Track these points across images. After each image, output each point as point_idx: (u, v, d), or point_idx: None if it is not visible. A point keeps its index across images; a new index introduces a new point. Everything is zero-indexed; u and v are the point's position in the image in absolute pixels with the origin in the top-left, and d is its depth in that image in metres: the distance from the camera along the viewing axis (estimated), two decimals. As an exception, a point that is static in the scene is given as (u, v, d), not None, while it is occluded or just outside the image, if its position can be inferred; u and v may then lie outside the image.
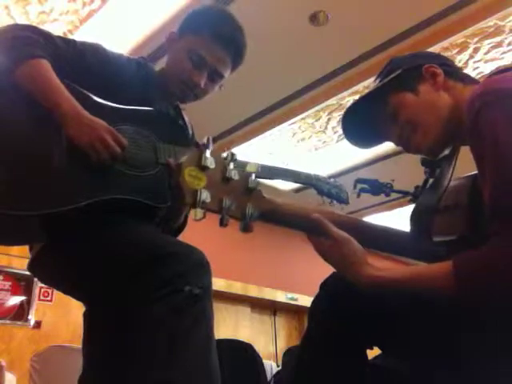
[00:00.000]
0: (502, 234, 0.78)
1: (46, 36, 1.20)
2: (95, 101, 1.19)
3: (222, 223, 0.87)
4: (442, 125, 1.03)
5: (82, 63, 1.23)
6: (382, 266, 0.92)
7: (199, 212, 0.83)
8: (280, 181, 1.46)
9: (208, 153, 0.87)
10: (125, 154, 1.13)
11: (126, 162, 1.14)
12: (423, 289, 0.86)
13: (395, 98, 1.08)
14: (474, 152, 0.89)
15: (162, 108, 1.35)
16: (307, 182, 1.56)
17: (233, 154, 0.91)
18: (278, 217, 0.96)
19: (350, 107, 1.14)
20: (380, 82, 1.12)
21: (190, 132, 1.47)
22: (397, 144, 1.12)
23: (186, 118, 1.48)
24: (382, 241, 1.02)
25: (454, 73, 1.08)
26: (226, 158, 0.90)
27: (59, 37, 1.24)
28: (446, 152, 1.09)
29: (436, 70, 1.06)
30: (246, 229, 0.89)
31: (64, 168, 1.08)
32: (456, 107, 1.01)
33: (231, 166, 0.89)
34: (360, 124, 1.14)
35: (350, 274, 0.92)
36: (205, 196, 0.84)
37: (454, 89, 1.05)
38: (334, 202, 1.59)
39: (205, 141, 0.88)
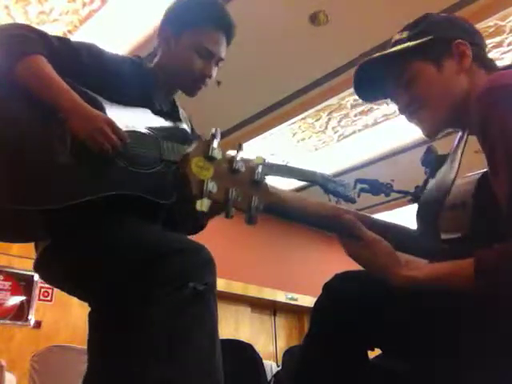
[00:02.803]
0: None
1: (41, 34, 1.20)
2: (96, 99, 1.19)
3: (228, 215, 0.86)
4: (451, 109, 1.01)
5: (77, 61, 1.23)
6: (414, 264, 0.93)
7: (205, 202, 0.82)
8: (280, 181, 1.46)
9: (215, 143, 0.87)
10: (128, 152, 1.13)
11: (130, 159, 1.14)
12: (450, 287, 0.87)
13: (417, 66, 1.03)
14: (484, 149, 0.88)
15: (162, 104, 1.35)
16: (312, 179, 1.56)
17: (240, 146, 0.91)
18: (284, 210, 0.95)
19: (369, 59, 1.08)
20: (408, 39, 1.06)
21: (189, 125, 1.47)
22: (400, 110, 1.09)
23: (182, 110, 1.48)
24: (388, 237, 1.01)
25: (481, 57, 1.04)
26: (233, 150, 0.90)
27: (53, 36, 1.25)
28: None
29: (466, 50, 1.01)
30: (251, 221, 0.88)
31: (67, 164, 1.08)
32: (469, 95, 0.98)
33: (238, 157, 0.89)
34: (373, 77, 1.08)
35: (383, 274, 0.93)
36: (211, 186, 0.83)
37: (475, 75, 1.01)
38: (341, 200, 1.58)
39: (213, 131, 0.88)
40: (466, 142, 1.05)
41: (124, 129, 1.15)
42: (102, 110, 1.15)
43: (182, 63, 1.35)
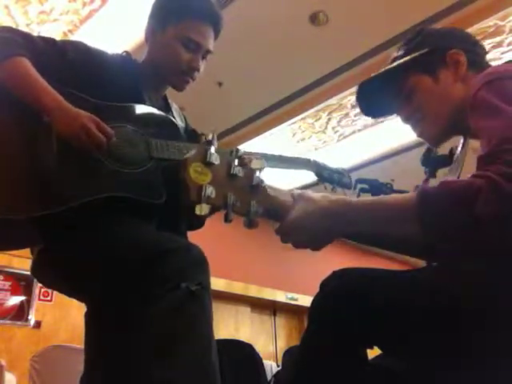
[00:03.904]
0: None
1: (25, 36, 1.21)
2: (82, 98, 1.18)
3: (227, 219, 0.87)
4: (451, 118, 1.03)
5: (64, 60, 1.22)
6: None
7: (204, 207, 0.83)
8: (279, 181, 1.45)
9: (213, 149, 0.87)
10: (116, 152, 1.12)
11: (118, 159, 1.13)
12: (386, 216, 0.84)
13: (414, 80, 1.07)
14: (473, 125, 0.89)
15: (152, 100, 1.34)
16: (307, 168, 1.54)
17: (238, 150, 0.91)
18: (282, 214, 0.95)
19: (369, 78, 1.11)
20: (404, 55, 1.10)
21: (183, 121, 1.47)
22: (404, 121, 1.13)
23: (175, 106, 1.47)
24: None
25: (477, 63, 1.06)
26: (230, 155, 0.90)
27: (38, 36, 1.25)
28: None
29: (460, 58, 1.04)
30: (251, 225, 0.89)
31: (55, 169, 1.08)
32: (465, 101, 0.99)
33: (236, 162, 0.89)
34: (374, 94, 1.12)
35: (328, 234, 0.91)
36: (210, 191, 0.84)
37: (470, 81, 1.02)
38: (337, 188, 1.57)
39: (210, 137, 0.88)
40: (466, 147, 1.07)
41: (111, 127, 1.13)
42: (89, 109, 1.13)
43: (169, 55, 1.32)
